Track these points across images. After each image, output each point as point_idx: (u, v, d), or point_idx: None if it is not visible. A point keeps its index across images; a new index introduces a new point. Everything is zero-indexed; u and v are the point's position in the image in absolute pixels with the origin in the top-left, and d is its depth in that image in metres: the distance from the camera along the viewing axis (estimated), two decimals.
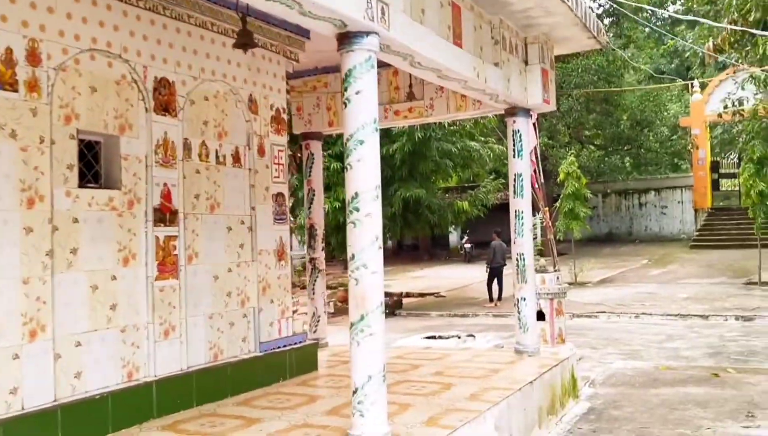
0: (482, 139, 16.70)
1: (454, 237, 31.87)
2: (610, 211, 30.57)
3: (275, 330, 6.42)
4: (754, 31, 6.57)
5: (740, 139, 20.72)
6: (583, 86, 25.54)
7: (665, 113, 30.04)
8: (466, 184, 22.15)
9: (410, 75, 7.12)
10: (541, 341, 9.81)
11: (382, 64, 7.57)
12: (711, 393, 7.00)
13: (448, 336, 11.44)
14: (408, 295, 20.40)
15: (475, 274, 22.69)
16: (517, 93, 6.57)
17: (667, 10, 38.35)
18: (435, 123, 14.90)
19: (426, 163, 15.13)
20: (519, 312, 7.05)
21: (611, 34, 28.32)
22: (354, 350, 4.44)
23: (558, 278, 10.01)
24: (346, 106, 4.35)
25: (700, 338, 11.30)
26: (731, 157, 29.38)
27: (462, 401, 5.40)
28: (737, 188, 29.32)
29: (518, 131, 6.93)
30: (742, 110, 18.62)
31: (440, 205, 15.87)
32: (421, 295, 20.14)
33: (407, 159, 15.01)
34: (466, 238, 28.74)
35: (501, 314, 15.06)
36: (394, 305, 17.09)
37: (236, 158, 6.15)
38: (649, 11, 42.54)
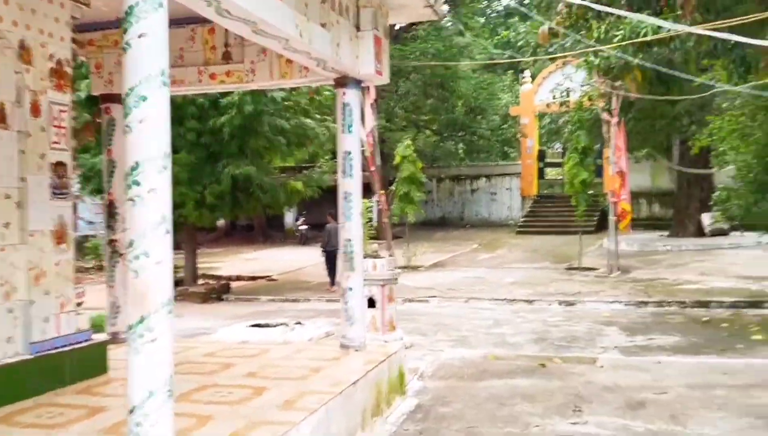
0: (318, 116, 15.97)
1: (290, 218, 31.02)
2: (444, 196, 31.21)
3: (51, 327, 5.31)
4: (595, 6, 6.41)
5: (566, 130, 21.69)
6: (420, 70, 25.62)
7: (497, 102, 31.11)
8: (304, 165, 21.34)
9: (227, 32, 6.21)
10: (371, 328, 9.33)
11: (198, 20, 6.60)
12: (538, 385, 6.83)
13: (276, 324, 10.68)
14: (239, 278, 19.33)
15: (310, 257, 22.04)
16: (348, 61, 5.89)
17: (501, 2, 39.71)
18: (267, 97, 13.96)
19: (257, 139, 14.14)
20: (345, 303, 6.42)
21: (449, 23, 28.77)
22: (132, 360, 3.52)
23: (391, 263, 9.57)
24: (125, 52, 3.42)
25: (526, 323, 11.42)
26: (557, 147, 31.01)
27: (273, 410, 4.66)
28: (561, 177, 31.10)
29: (348, 104, 6.26)
30: (569, 102, 19.43)
31: (273, 184, 14.96)
32: (253, 278, 19.16)
33: (237, 134, 13.93)
34: (302, 219, 28.02)
35: (334, 298, 14.50)
36: (221, 289, 16.01)
37: (0, 117, 4.94)
38: (485, 2, 43.98)
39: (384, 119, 24.90)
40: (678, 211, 21.90)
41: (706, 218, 21.08)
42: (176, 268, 15.38)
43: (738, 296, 12.74)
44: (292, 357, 6.34)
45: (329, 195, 20.60)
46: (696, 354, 8.62)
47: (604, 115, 16.70)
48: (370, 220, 17.09)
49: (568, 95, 18.97)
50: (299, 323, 10.45)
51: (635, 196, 20.83)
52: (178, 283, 16.33)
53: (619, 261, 17.01)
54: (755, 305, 12.16)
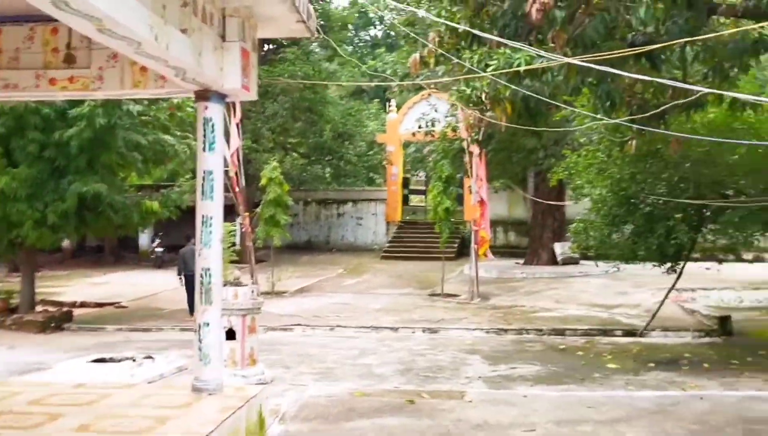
0: (179, 133, 15.08)
1: (145, 240, 29.27)
2: (310, 219, 30.79)
3: None
4: (473, 31, 6.34)
5: (430, 159, 22.06)
6: (289, 93, 25.21)
7: (364, 129, 31.26)
8: (163, 183, 20.13)
9: (71, 33, 5.50)
10: (229, 362, 8.71)
11: (38, 18, 5.83)
12: (408, 425, 6.55)
13: (121, 358, 9.74)
14: (83, 305, 17.81)
15: (166, 281, 20.75)
16: (211, 72, 5.38)
17: (369, 33, 40.26)
18: (122, 110, 12.96)
19: (109, 154, 13.05)
20: (200, 341, 5.77)
21: (317, 47, 28.66)
22: None
23: (253, 291, 9.02)
24: None
25: (392, 353, 11.20)
26: (421, 174, 31.59)
27: None
28: (424, 204, 31.68)
29: (210, 119, 5.72)
30: (434, 131, 19.74)
31: (125, 203, 13.87)
32: (99, 305, 17.71)
33: (86, 148, 12.78)
34: (157, 241, 26.49)
35: (188, 327, 13.58)
36: (62, 317, 14.58)
37: None
38: (352, 32, 44.39)
39: (250, 140, 24.17)
40: (533, 240, 22.85)
41: (558, 247, 22.13)
42: (10, 293, 13.84)
43: (590, 324, 13.26)
44: (137, 404, 5.59)
45: (188, 216, 19.63)
46: (558, 384, 8.73)
47: (469, 146, 17.07)
48: (233, 244, 16.30)
49: (433, 125, 19.27)
50: (149, 356, 9.59)
51: (493, 224, 21.52)
52: (12, 310, 14.72)
53: (479, 288, 17.33)
54: (606, 333, 12.70)
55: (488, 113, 7.38)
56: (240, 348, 8.81)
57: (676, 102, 7.83)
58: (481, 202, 17.08)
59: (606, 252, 11.01)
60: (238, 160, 19.57)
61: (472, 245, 17.34)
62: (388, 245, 27.83)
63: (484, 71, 6.37)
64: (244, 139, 24.26)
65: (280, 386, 8.78)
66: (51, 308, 15.04)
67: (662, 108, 8.11)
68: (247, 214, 19.73)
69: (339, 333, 13.36)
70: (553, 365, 9.97)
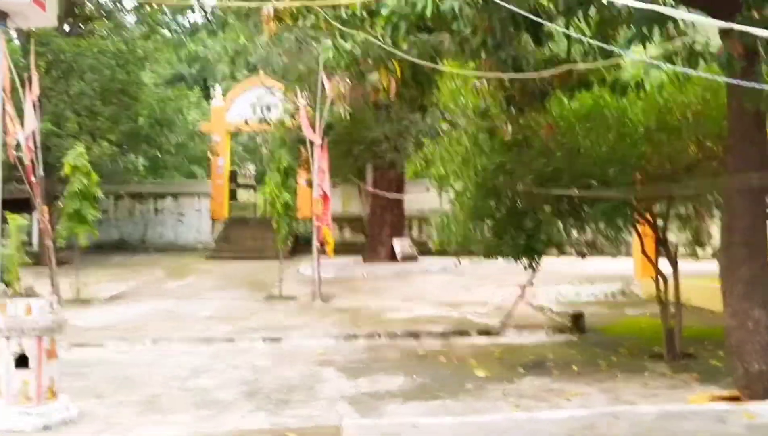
0: None
1: None
2: (123, 215, 27.66)
3: None
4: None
5: (265, 149, 20.39)
6: (98, 70, 22.21)
7: (186, 118, 28.64)
8: None
9: None
10: (21, 398, 6.63)
11: None
12: None
13: None
14: None
15: None
16: None
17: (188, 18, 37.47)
18: None
19: None
20: None
21: (134, 19, 25.75)
22: None
23: (52, 303, 6.97)
24: None
25: (231, 370, 9.51)
26: (250, 168, 29.66)
27: None
28: (254, 200, 29.75)
29: None
30: (270, 119, 18.10)
31: None
32: None
33: None
34: None
35: None
36: None
37: None
38: (169, 16, 41.19)
39: (50, 122, 20.89)
40: (371, 236, 21.96)
41: (398, 244, 21.44)
42: None
43: (444, 325, 12.44)
44: None
45: None
46: (431, 399, 7.64)
47: (309, 134, 15.67)
48: (27, 243, 13.59)
49: (269, 110, 17.63)
50: None
51: None
52: None
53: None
54: (462, 333, 11.92)
55: (373, 76, 6.03)
56: (35, 380, 6.73)
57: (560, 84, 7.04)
58: (324, 196, 15.79)
59: (469, 248, 10.14)
60: (35, 146, 16.67)
61: (314, 242, 15.97)
62: (214, 244, 25.63)
63: (373, 19, 5.07)
64: (42, 121, 20.93)
65: (92, 426, 6.84)
66: None
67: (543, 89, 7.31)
68: (45, 208, 16.83)
69: (164, 348, 11.35)
70: (418, 376, 8.88)
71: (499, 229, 9.69)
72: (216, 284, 18.78)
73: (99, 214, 16.71)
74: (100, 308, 15.30)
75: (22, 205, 20.32)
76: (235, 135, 28.27)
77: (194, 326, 12.82)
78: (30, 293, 6.97)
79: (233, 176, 28.52)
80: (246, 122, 20.56)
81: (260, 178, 31.14)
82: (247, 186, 29.41)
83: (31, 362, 6.73)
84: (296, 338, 11.77)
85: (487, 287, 16.34)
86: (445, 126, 10.52)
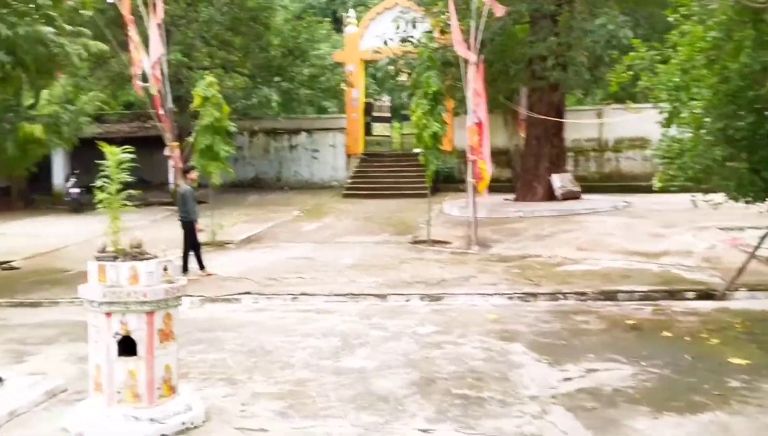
0: (68, 27, 10.69)
1: (60, 178, 24.70)
2: (258, 153, 26.58)
3: None
4: None
5: (404, 77, 18.14)
6: None
7: (318, 48, 26.76)
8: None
9: None
10: (128, 395, 4.90)
11: None
12: None
13: None
14: None
15: (83, 230, 16.59)
16: None
17: None
18: None
19: None
20: None
21: None
22: None
23: (167, 266, 5.13)
24: None
25: (390, 342, 7.52)
26: (384, 99, 27.53)
27: None
28: (389, 134, 27.73)
29: None
30: (413, 40, 15.69)
31: None
32: None
33: None
34: (73, 180, 21.88)
35: None
36: None
37: None
38: None
39: (180, 53, 19.64)
40: (525, 171, 19.24)
41: (557, 180, 18.65)
42: None
43: (645, 283, 9.85)
44: None
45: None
46: (692, 407, 5.24)
47: (462, 52, 13.15)
48: (143, 181, 12.27)
49: (414, 27, 15.20)
50: None
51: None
52: None
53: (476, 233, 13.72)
54: (674, 295, 9.29)
55: None
56: (145, 370, 4.98)
57: None
58: (479, 124, 13.32)
59: (707, 184, 7.42)
60: (162, 75, 15.29)
61: (469, 178, 13.63)
62: (350, 181, 23.94)
63: None
64: (171, 51, 19.73)
65: (225, 432, 5.04)
66: None
67: None
68: (176, 144, 15.57)
69: (304, 304, 9.61)
70: (647, 362, 6.46)
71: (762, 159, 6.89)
72: (355, 226, 17.00)
73: (232, 150, 15.17)
74: (235, 252, 13.92)
75: (151, 142, 19.44)
76: (369, 64, 26.11)
77: (336, 278, 11.01)
78: (138, 252, 5.21)
79: (368, 109, 26.49)
80: (385, 43, 18.23)
81: (396, 110, 29.01)
82: (382, 119, 27.34)
83: (140, 348, 4.97)
84: (460, 296, 9.64)
85: (681, 233, 13.39)
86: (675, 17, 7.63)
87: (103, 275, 5.03)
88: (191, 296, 9.97)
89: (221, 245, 14.49)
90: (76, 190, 21.43)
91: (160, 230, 16.82)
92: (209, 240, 14.23)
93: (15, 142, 9.91)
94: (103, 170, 5.35)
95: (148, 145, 22.03)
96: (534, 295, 9.57)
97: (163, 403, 5.03)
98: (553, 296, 9.52)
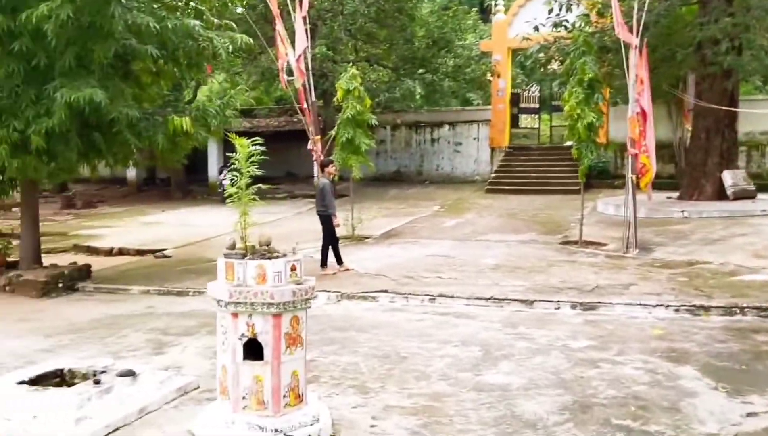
0: (215, 20, 10.81)
1: (214, 169, 25.86)
2: (399, 146, 26.33)
3: None
4: None
5: (555, 66, 17.05)
6: None
7: (464, 38, 26.05)
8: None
9: None
10: (253, 402, 4.58)
11: None
12: None
13: (85, 372, 5.76)
14: (121, 252, 14.33)
15: (228, 221, 17.05)
16: None
17: None
18: None
19: (105, 45, 8.93)
20: None
21: None
22: None
23: (297, 266, 4.76)
24: None
25: (536, 355, 6.79)
26: (533, 89, 26.34)
27: None
28: (537, 126, 26.53)
29: None
30: (565, 22, 14.63)
31: (139, 118, 9.87)
32: (140, 252, 14.16)
33: (72, 36, 8.75)
34: (225, 171, 22.75)
35: None
36: (73, 275, 10.94)
37: None
38: None
39: (325, 46, 19.74)
40: (692, 167, 17.46)
41: (729, 177, 16.76)
42: (8, 243, 10.15)
43: None
44: None
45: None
46: None
47: (624, 35, 11.96)
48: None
49: (569, 10, 14.14)
50: (128, 372, 5.56)
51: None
52: (13, 265, 11.23)
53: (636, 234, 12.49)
54: None
55: None
56: (272, 376, 4.63)
57: None
58: (643, 113, 12.09)
59: None
60: (306, 68, 15.28)
61: (628, 173, 12.42)
62: (493, 175, 23.08)
63: None
64: (317, 45, 19.87)
65: None
66: (60, 264, 11.40)
67: None
68: (318, 137, 15.54)
69: (443, 307, 9.05)
70: None
71: None
72: (498, 223, 16.20)
73: (373, 143, 14.91)
74: (374, 247, 13.63)
75: (298, 136, 19.72)
76: (517, 53, 25.06)
77: (477, 279, 10.34)
78: (266, 250, 4.89)
79: (515, 100, 25.44)
80: (536, 29, 17.21)
81: (545, 101, 27.71)
82: (529, 110, 26.18)
83: (266, 352, 4.63)
84: (618, 306, 8.64)
85: None
86: None
87: (231, 273, 4.75)
88: (328, 291, 9.77)
89: (360, 239, 14.29)
90: (228, 181, 22.23)
91: (303, 222, 17.01)
92: (348, 234, 14.09)
93: (165, 135, 10.01)
94: (233, 164, 5.09)
95: (296, 139, 22.52)
96: (705, 308, 8.39)
97: (289, 413, 4.66)
98: (728, 310, 8.29)
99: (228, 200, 5.12)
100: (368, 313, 8.85)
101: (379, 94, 21.63)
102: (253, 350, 4.67)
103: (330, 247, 11.38)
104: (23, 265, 10.90)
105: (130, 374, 5.55)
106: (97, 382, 5.31)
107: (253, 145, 5.09)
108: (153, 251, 13.94)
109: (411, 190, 22.92)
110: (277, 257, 4.79)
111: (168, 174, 26.91)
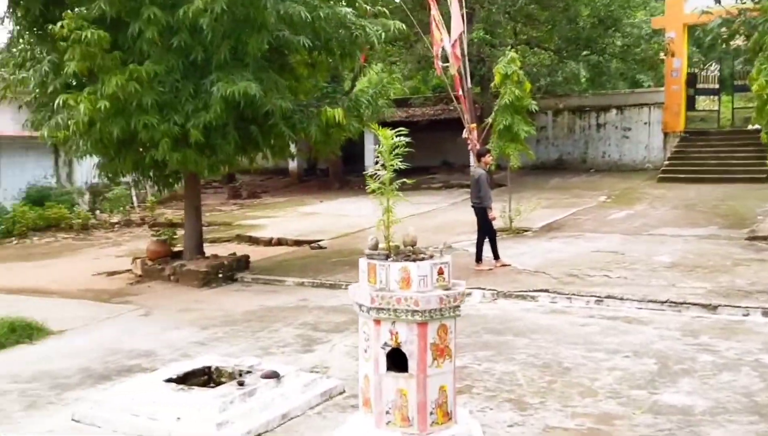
0: (368, 8, 10.53)
1: (370, 159, 25.99)
2: (561, 132, 24.96)
3: None
4: None
5: (739, 41, 15.16)
6: None
7: (634, 19, 24.11)
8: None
9: None
10: (397, 418, 4.16)
11: None
12: None
13: (231, 370, 5.65)
14: (280, 242, 14.63)
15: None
16: None
17: None
18: None
19: (259, 37, 8.93)
20: None
21: None
22: None
23: (444, 269, 4.27)
24: None
25: (723, 371, 5.82)
26: (711, 68, 23.89)
27: None
28: (717, 108, 24.07)
29: None
30: None
31: (293, 110, 9.84)
32: (297, 242, 14.36)
33: (227, 29, 8.83)
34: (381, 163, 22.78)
35: None
36: (233, 266, 11.21)
37: None
38: None
39: (483, 30, 19.01)
40: None
41: None
42: (173, 233, 10.58)
43: None
44: None
45: (419, 133, 15.00)
46: None
47: None
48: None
49: None
50: (273, 374, 5.37)
51: None
52: (177, 255, 11.75)
53: None
54: None
55: None
56: (417, 391, 4.19)
57: None
58: None
59: None
60: (462, 53, 14.72)
61: None
62: (667, 162, 21.20)
63: None
64: (474, 30, 19.19)
65: None
66: (221, 254, 11.74)
67: None
68: (473, 125, 14.93)
69: (611, 310, 8.17)
70: None
71: None
72: (673, 215, 14.72)
73: (533, 130, 14.06)
74: (533, 240, 12.83)
75: (454, 125, 19.18)
76: (694, 29, 22.80)
77: (650, 280, 9.28)
78: (411, 251, 4.44)
79: (691, 80, 23.18)
80: (717, 1, 15.41)
81: (726, 81, 25.08)
82: (708, 91, 23.76)
83: (411, 363, 4.19)
84: None
85: None
86: None
87: (373, 276, 4.35)
88: (483, 288, 9.22)
89: (518, 232, 13.54)
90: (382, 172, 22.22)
91: (458, 213, 16.50)
92: (505, 227, 13.39)
93: (319, 126, 9.92)
94: (378, 156, 4.69)
95: (451, 128, 22.03)
96: None
97: (437, 432, 4.20)
98: None
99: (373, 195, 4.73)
100: (527, 314, 8.19)
101: (540, 78, 20.56)
102: (396, 360, 4.25)
103: (487, 240, 10.76)
104: (186, 255, 11.34)
105: (275, 375, 5.36)
106: (240, 384, 5.16)
107: (397, 135, 4.64)
108: (309, 242, 14.09)
109: (574, 180, 21.63)
110: (422, 259, 4.33)
111: (327, 165, 27.49)
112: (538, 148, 22.90)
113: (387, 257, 4.39)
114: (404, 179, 4.72)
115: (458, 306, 4.34)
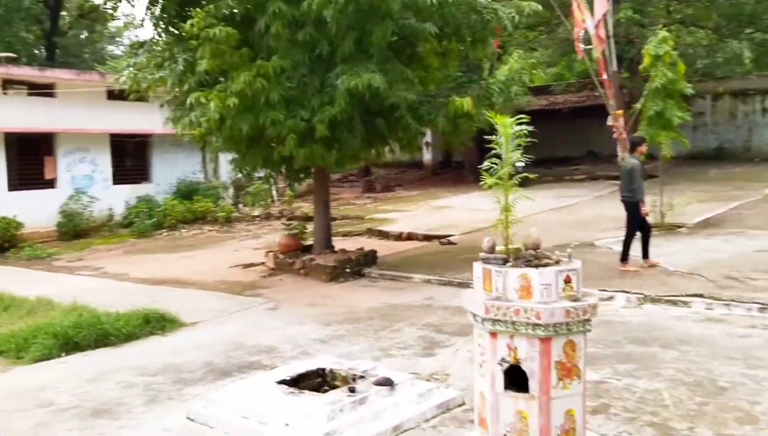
0: None
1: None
2: (721, 119, 22.85)
3: None
4: None
5: None
6: None
7: None
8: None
9: None
10: None
11: None
12: None
13: (345, 373, 5.38)
14: (410, 237, 14.37)
15: (519, 205, 16.22)
16: None
17: None
18: None
19: (384, 27, 8.61)
20: None
21: None
22: None
23: (571, 276, 3.70)
24: None
25: None
26: None
27: None
28: None
29: None
30: None
31: (420, 101, 9.46)
32: (427, 237, 14.03)
33: (352, 20, 8.59)
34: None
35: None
36: (360, 261, 11.05)
37: None
38: None
39: (631, 9, 17.65)
40: None
41: None
42: (303, 227, 10.56)
43: None
44: None
45: (563, 122, 14.18)
46: None
47: None
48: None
49: None
50: (386, 381, 5.03)
51: None
52: (307, 248, 11.78)
53: None
54: None
55: None
56: (538, 414, 3.67)
57: None
58: None
59: None
60: (607, 35, 13.67)
61: None
62: None
63: None
64: (621, 9, 17.86)
65: None
66: (348, 249, 11.62)
67: None
68: (619, 112, 13.82)
69: None
70: None
71: None
72: None
73: (688, 116, 12.76)
74: (688, 238, 11.65)
75: (600, 112, 17.97)
76: None
77: None
78: (533, 255, 3.91)
79: None
80: None
81: None
82: None
83: (532, 383, 3.67)
84: None
85: None
86: None
87: (489, 283, 3.86)
88: (627, 292, 8.39)
89: (671, 228, 12.35)
90: (521, 163, 21.36)
91: (603, 206, 15.46)
92: (657, 222, 12.24)
93: (446, 117, 9.49)
94: (494, 148, 4.21)
95: (597, 115, 20.76)
96: None
97: None
98: None
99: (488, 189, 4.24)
100: (677, 323, 7.29)
101: (697, 59, 18.88)
102: (516, 377, 3.74)
103: (638, 237, 9.77)
104: (316, 249, 11.33)
105: (388, 383, 5.02)
106: (351, 390, 4.87)
107: (518, 123, 4.12)
108: (439, 237, 13.70)
109: (736, 170, 19.67)
110: (546, 265, 3.78)
111: (462, 157, 26.95)
112: (695, 136, 21.05)
113: (505, 261, 3.89)
114: (526, 174, 4.18)
115: (589, 320, 3.74)
